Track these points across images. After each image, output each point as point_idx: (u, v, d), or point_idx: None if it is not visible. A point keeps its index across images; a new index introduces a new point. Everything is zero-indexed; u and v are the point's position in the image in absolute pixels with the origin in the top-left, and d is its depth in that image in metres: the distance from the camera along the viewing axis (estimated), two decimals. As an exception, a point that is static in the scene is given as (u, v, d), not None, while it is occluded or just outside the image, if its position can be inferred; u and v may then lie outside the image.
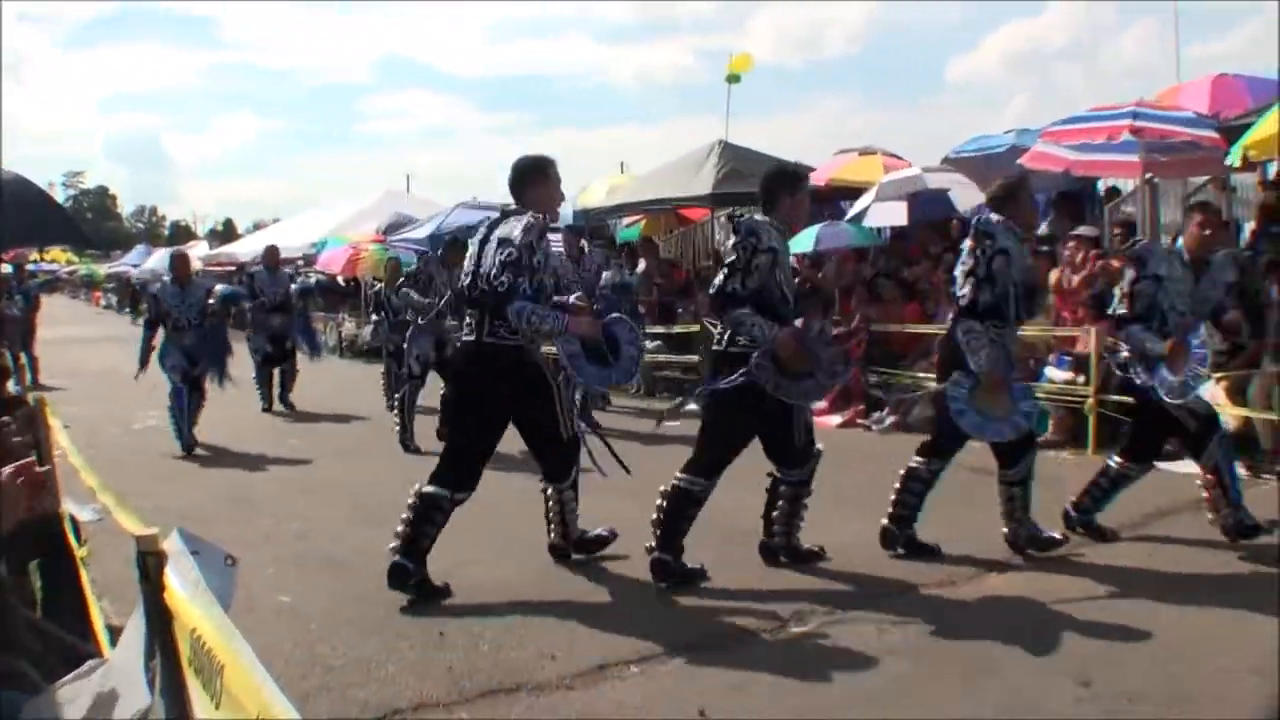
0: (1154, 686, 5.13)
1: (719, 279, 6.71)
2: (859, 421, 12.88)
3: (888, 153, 17.28)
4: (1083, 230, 13.15)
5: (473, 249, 6.80)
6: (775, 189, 6.96)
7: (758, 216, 6.84)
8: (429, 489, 6.61)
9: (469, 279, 6.74)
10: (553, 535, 7.37)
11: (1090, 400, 10.72)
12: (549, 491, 7.24)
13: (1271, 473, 9.41)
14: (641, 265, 17.85)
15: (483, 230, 6.80)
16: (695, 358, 15.05)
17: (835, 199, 17.20)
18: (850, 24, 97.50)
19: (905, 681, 5.28)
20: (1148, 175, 12.99)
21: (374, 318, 17.42)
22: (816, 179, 16.74)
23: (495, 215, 6.86)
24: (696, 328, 14.88)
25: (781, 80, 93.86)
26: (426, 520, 6.57)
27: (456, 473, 6.66)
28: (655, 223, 21.51)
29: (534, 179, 6.78)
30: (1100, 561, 7.25)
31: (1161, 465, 9.60)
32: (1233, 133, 11.03)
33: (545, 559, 7.33)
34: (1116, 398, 10.37)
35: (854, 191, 16.38)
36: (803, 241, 15.99)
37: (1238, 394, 9.80)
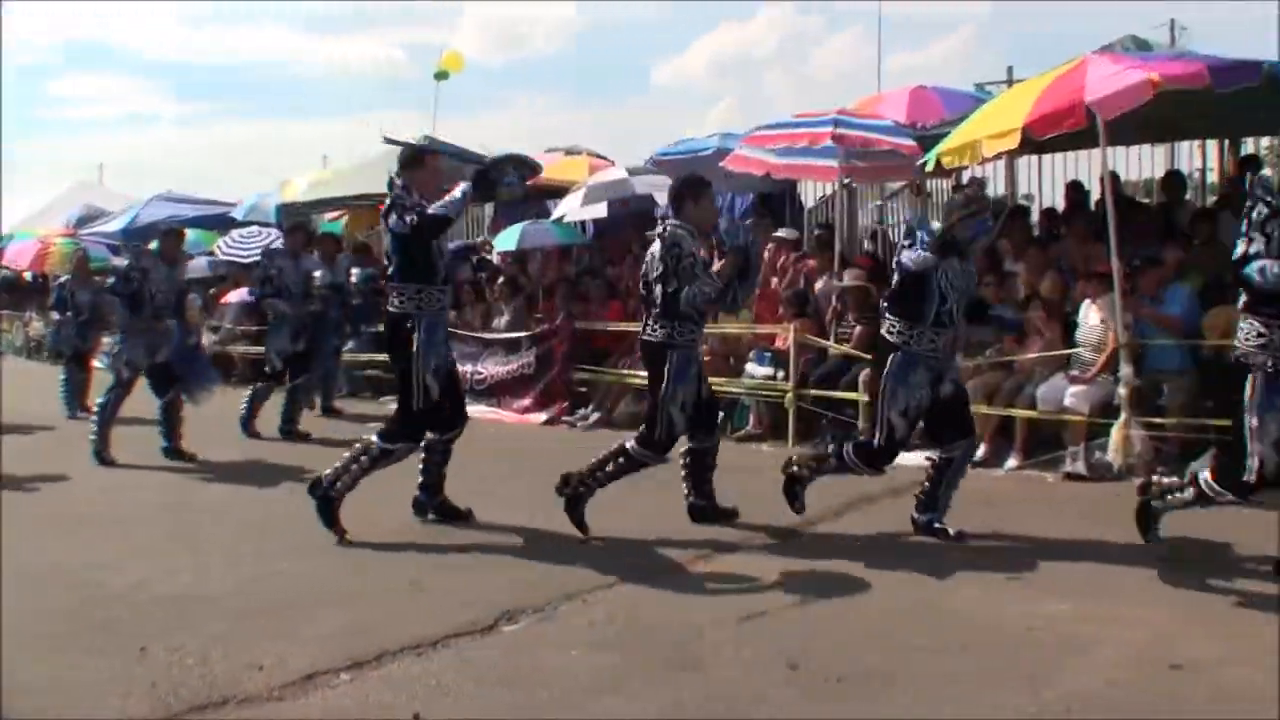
0: (859, 666, 5.22)
1: (659, 290, 7.41)
2: (564, 419, 12.83)
3: (593, 153, 17.37)
4: (782, 233, 13.46)
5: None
6: (681, 195, 7.58)
7: (671, 223, 7.45)
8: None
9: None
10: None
11: (789, 395, 10.93)
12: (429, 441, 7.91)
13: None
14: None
15: None
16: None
17: (541, 198, 17.15)
18: (558, 22, 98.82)
19: (615, 674, 5.23)
20: (846, 180, 13.39)
21: (56, 317, 16.43)
22: (520, 177, 16.70)
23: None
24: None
25: (488, 77, 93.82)
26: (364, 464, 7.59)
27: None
28: (359, 219, 20.97)
29: None
30: (805, 546, 7.41)
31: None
32: (928, 141, 11.46)
33: (245, 568, 7.08)
34: (815, 392, 10.65)
35: (561, 190, 16.36)
36: (506, 239, 15.91)
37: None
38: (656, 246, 7.52)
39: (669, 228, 7.46)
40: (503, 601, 6.19)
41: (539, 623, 5.99)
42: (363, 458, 7.64)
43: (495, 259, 16.90)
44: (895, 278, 7.45)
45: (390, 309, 7.72)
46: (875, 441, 7.48)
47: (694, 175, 8.09)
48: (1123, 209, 10.15)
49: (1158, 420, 9.03)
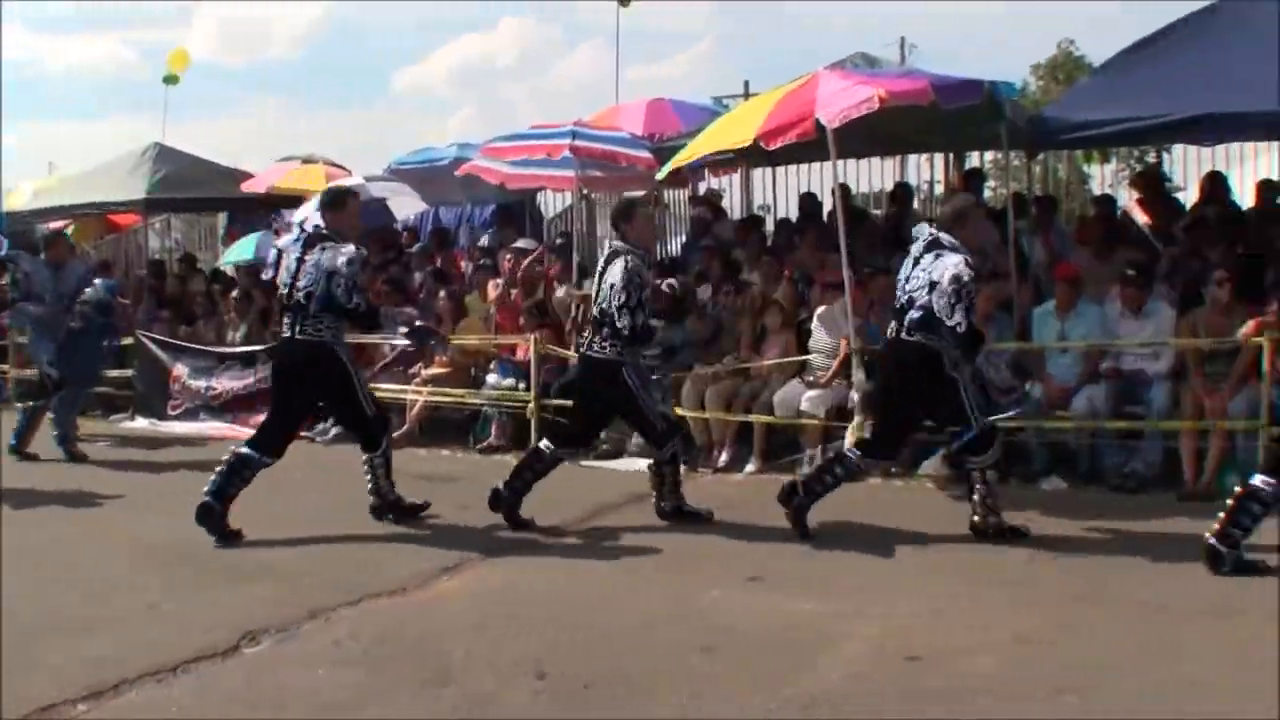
0: (605, 671, 5.24)
1: (625, 321, 7.71)
2: (302, 434, 12.47)
3: (330, 161, 17.00)
4: (521, 243, 13.44)
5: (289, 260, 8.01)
6: (617, 221, 8.20)
7: (628, 252, 7.87)
8: (244, 450, 7.87)
9: (286, 289, 7.95)
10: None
11: (531, 405, 10.91)
12: (364, 459, 8.35)
13: (707, 468, 9.99)
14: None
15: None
16: (130, 371, 14.16)
17: (276, 207, 16.74)
18: (298, 26, 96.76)
19: (362, 691, 5.12)
20: (584, 191, 13.46)
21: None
22: (256, 186, 16.30)
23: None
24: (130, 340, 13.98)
25: (226, 81, 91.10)
26: (237, 475, 7.80)
27: (269, 440, 7.97)
28: (85, 228, 20.14)
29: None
30: (554, 553, 7.42)
31: (603, 463, 9.94)
32: (665, 153, 11.62)
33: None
34: (557, 402, 10.66)
35: (296, 200, 15.96)
36: (242, 250, 15.47)
37: (673, 396, 10.24)
38: (617, 273, 7.79)
39: (629, 260, 7.81)
40: (244, 622, 5.99)
41: (282, 642, 5.81)
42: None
43: (229, 271, 16.48)
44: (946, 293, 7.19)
45: (307, 337, 7.95)
46: (975, 423, 7.40)
47: (625, 200, 8.60)
48: (853, 219, 10.48)
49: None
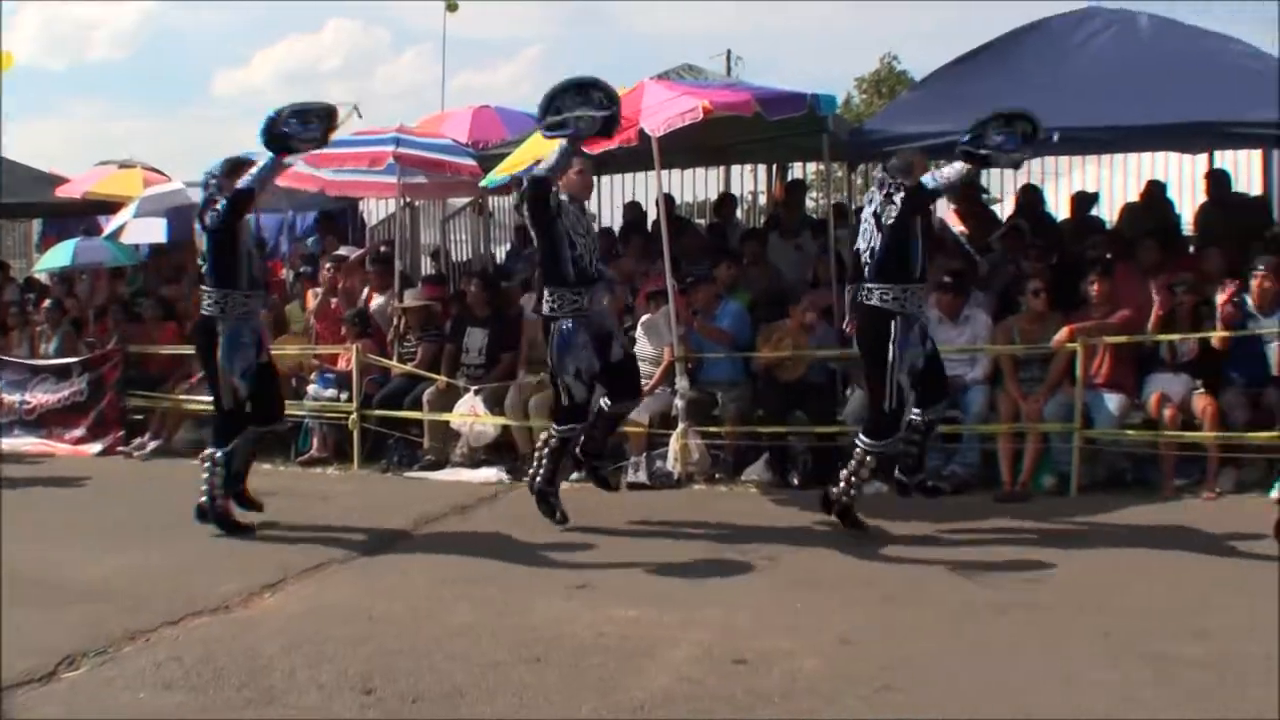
0: (433, 685, 5.16)
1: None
2: (119, 449, 12.10)
3: (148, 166, 16.53)
4: (343, 250, 13.25)
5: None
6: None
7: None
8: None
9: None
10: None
11: (353, 416, 10.73)
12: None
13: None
14: None
15: None
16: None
17: (93, 213, 16.27)
18: (120, 27, 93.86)
19: (187, 715, 4.97)
20: (407, 199, 13.33)
21: None
22: (72, 191, 15.80)
23: None
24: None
25: (46, 83, 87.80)
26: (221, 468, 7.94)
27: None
28: None
29: None
30: (376, 568, 7.29)
31: (427, 474, 9.82)
32: (490, 161, 11.56)
33: None
34: (379, 413, 10.52)
35: (113, 206, 15.52)
36: (57, 257, 14.94)
37: (496, 404, 10.17)
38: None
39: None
40: (62, 645, 5.74)
41: (101, 666, 5.58)
42: (213, 466, 7.97)
43: (43, 279, 15.89)
44: (879, 243, 7.33)
45: (201, 312, 8.03)
46: (887, 407, 7.37)
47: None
48: (677, 229, 10.55)
49: (714, 429, 9.42)
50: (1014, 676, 5.10)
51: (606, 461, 8.52)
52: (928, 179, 7.31)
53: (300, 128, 7.75)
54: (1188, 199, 12.86)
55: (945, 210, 12.95)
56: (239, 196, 7.76)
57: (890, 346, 7.28)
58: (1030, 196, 12.10)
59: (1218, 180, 11.80)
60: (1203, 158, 12.54)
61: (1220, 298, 8.60)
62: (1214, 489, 8.47)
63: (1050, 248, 10.34)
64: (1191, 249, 10.80)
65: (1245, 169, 12.98)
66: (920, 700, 4.87)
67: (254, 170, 7.78)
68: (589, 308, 7.77)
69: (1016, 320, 9.21)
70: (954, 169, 7.31)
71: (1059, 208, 12.50)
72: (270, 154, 7.79)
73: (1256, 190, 12.78)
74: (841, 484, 7.54)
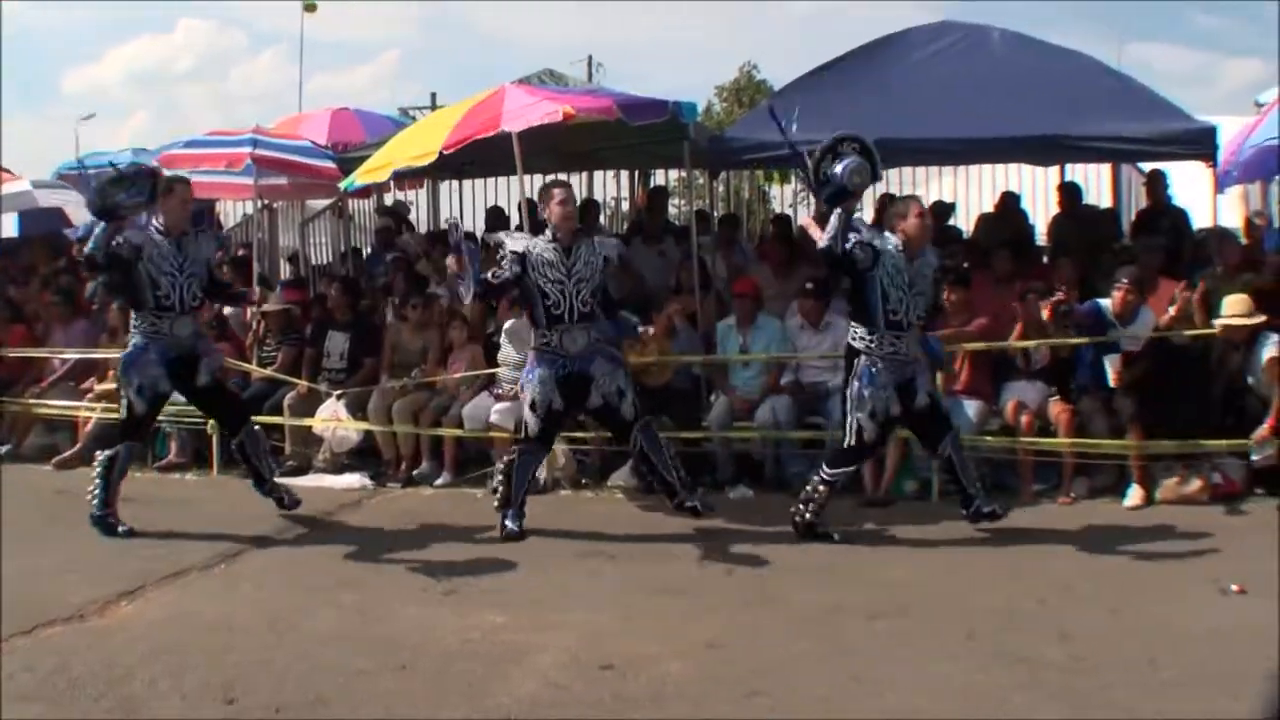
0: (296, 694, 5.12)
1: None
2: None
3: (-7, 164, 16.07)
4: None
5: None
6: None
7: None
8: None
9: None
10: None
11: (211, 421, 10.50)
12: None
13: (396, 482, 9.89)
14: None
15: None
16: None
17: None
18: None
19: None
20: (265, 200, 13.16)
21: None
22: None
23: None
24: None
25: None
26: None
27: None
28: None
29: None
30: (235, 577, 7.17)
31: (288, 480, 9.68)
32: (349, 163, 11.47)
33: None
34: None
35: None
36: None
37: (359, 409, 10.09)
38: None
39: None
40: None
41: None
42: (104, 470, 8.10)
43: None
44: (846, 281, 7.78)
45: None
46: (845, 443, 7.61)
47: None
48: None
49: (580, 435, 9.45)
50: (880, 680, 5.19)
51: (687, 492, 8.16)
52: (823, 242, 7.51)
53: (125, 196, 7.85)
54: (1041, 210, 13.25)
55: (805, 218, 13.16)
56: (89, 262, 8.33)
57: (853, 382, 7.52)
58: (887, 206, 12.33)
59: (1069, 192, 12.21)
60: (1055, 170, 12.96)
61: (1045, 309, 8.93)
62: (1069, 494, 8.72)
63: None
64: (1045, 259, 11.10)
65: (1096, 182, 13.44)
66: (788, 705, 4.94)
67: (91, 240, 7.98)
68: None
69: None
70: (830, 224, 7.48)
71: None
72: (102, 223, 7.90)
73: (1106, 203, 13.26)
74: (801, 505, 7.71)
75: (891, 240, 7.49)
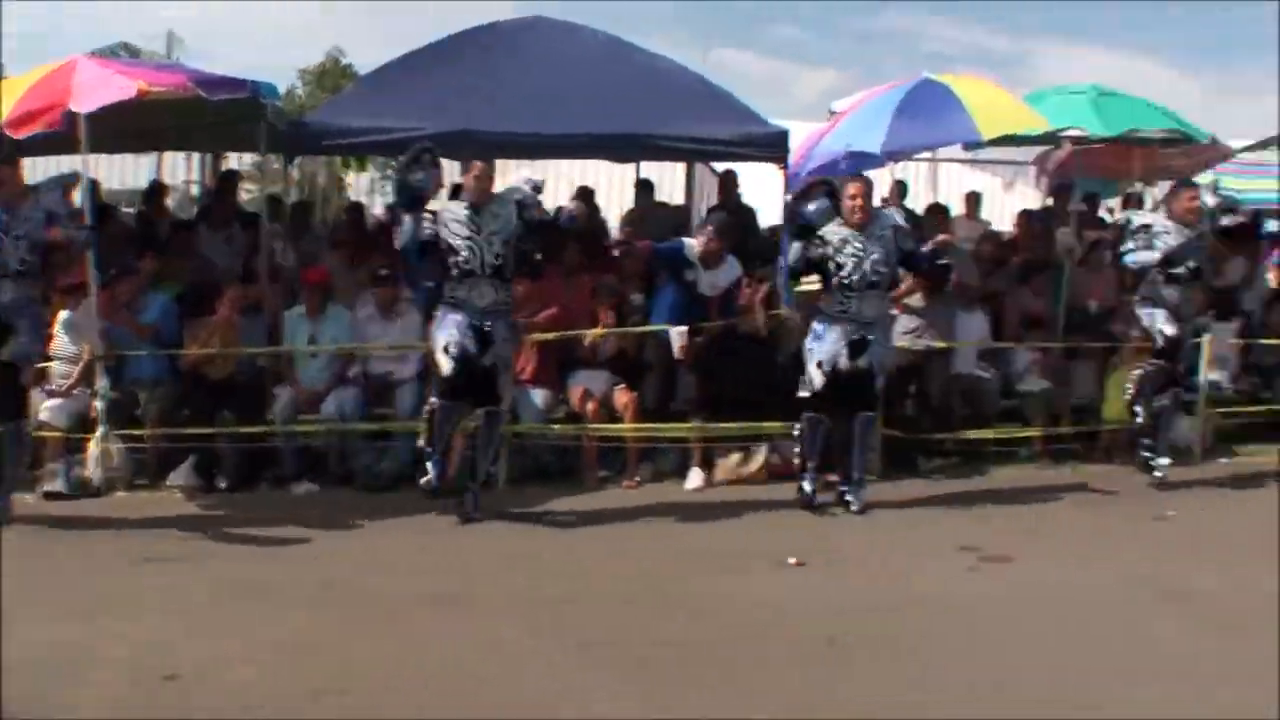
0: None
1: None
2: None
3: None
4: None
5: None
6: None
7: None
8: None
9: None
10: None
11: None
12: None
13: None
14: None
15: None
16: None
17: None
18: None
19: None
20: None
21: None
22: None
23: None
24: None
25: None
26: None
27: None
28: None
29: None
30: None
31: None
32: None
33: None
34: None
35: None
36: None
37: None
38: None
39: None
40: None
41: None
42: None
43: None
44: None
45: None
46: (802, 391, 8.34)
47: None
48: (103, 217, 9.97)
49: (137, 431, 8.94)
50: (458, 671, 5.22)
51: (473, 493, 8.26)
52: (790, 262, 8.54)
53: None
54: (616, 205, 13.59)
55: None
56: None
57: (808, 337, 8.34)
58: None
59: (643, 188, 12.63)
60: (632, 167, 13.33)
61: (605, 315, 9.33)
62: (634, 478, 9.10)
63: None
64: (616, 252, 11.35)
65: (670, 180, 13.91)
66: (370, 702, 4.90)
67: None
68: None
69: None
70: (793, 251, 8.43)
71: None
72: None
73: (680, 199, 13.77)
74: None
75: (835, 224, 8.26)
